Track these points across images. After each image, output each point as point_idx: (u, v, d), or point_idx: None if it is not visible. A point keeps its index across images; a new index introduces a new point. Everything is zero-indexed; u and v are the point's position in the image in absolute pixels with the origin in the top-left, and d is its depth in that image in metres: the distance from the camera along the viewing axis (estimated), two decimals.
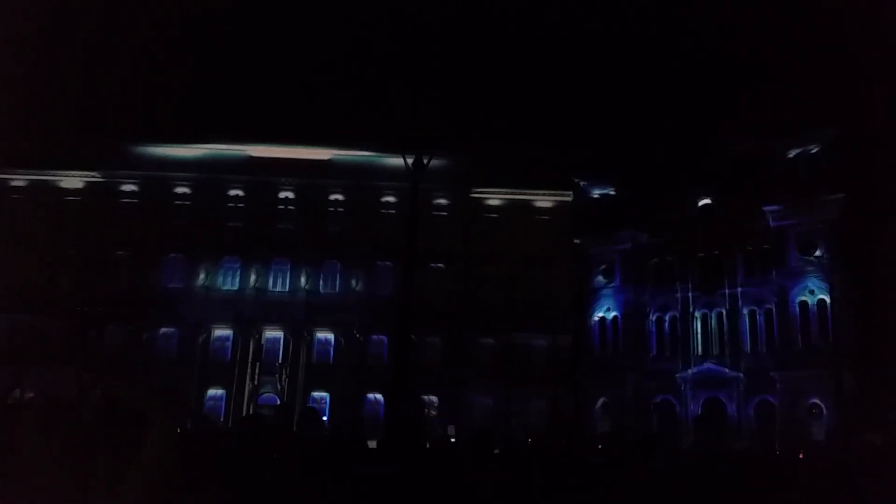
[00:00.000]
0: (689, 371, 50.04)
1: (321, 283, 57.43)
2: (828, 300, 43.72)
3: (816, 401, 44.40)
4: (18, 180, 58.87)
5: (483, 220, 59.65)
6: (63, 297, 53.07)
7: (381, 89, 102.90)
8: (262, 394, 53.49)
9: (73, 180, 59.15)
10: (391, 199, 58.30)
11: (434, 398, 53.40)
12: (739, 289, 49.62)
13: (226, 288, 56.89)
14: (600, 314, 55.18)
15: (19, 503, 4.83)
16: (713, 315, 50.77)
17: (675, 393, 50.56)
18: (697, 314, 51.27)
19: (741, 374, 48.11)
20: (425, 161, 14.47)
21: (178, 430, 24.49)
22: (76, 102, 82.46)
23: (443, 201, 58.80)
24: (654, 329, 53.22)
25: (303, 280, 56.55)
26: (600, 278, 55.44)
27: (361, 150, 58.87)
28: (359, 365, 54.28)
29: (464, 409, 54.09)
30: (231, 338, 55.37)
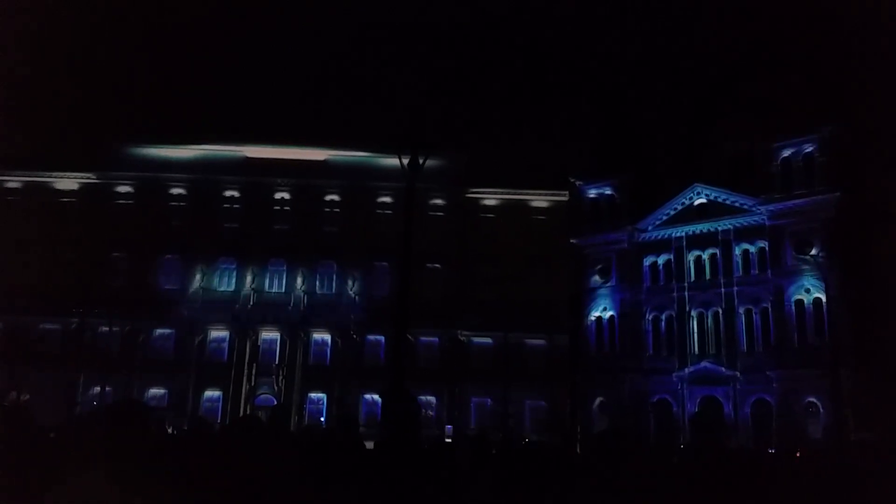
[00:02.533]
0: (686, 370, 50.06)
1: (317, 283, 57.38)
2: (824, 299, 43.76)
3: (813, 399, 44.44)
4: (14, 182, 58.73)
5: (479, 221, 59.65)
6: (59, 299, 52.95)
7: (377, 89, 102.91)
8: (259, 395, 53.43)
9: (68, 182, 59.02)
10: (387, 199, 58.27)
11: (432, 398, 53.40)
12: (735, 288, 49.65)
13: (222, 289, 56.79)
14: (597, 314, 55.19)
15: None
16: (709, 314, 50.80)
17: (671, 392, 50.60)
18: (694, 313, 51.28)
19: (738, 373, 48.14)
20: (421, 161, 14.43)
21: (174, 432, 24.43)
22: (71, 104, 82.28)
23: (439, 201, 58.80)
24: (650, 328, 53.22)
25: (299, 281, 56.48)
26: (597, 278, 55.45)
27: (357, 150, 58.83)
28: (356, 366, 54.27)
29: (461, 410, 54.14)
30: (227, 339, 55.32)
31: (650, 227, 54.04)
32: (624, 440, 6.47)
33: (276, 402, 51.95)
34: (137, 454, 4.55)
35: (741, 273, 49.90)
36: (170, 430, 27.51)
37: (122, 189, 58.97)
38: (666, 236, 53.30)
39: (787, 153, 48.94)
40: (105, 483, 4.17)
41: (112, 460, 4.39)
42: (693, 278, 51.81)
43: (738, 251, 50.22)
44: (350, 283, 56.91)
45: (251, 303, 55.39)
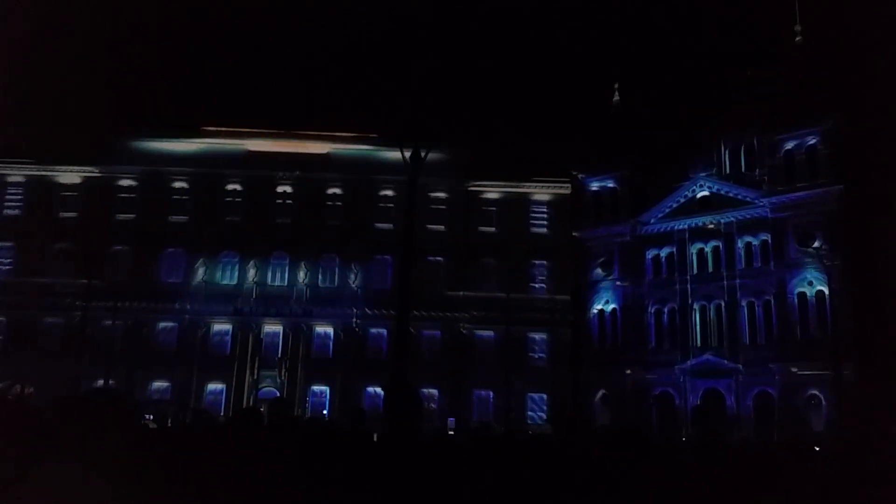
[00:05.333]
0: (688, 363, 50.11)
1: (320, 276, 57.41)
2: (826, 292, 43.69)
3: (815, 392, 44.45)
4: (16, 176, 58.80)
5: (481, 213, 59.61)
6: (62, 293, 53.11)
7: (379, 83, 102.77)
8: (262, 388, 53.51)
9: (70, 175, 59.07)
10: (389, 192, 58.25)
11: (434, 391, 53.48)
12: (738, 280, 49.63)
13: (224, 282, 56.87)
14: (599, 307, 55.21)
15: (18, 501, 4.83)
16: (712, 307, 50.79)
17: (674, 385, 50.65)
18: (696, 306, 51.27)
19: (740, 366, 48.17)
20: (423, 154, 14.42)
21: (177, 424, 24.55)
22: (73, 98, 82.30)
23: (441, 194, 58.72)
24: (652, 321, 53.26)
25: (301, 274, 56.52)
26: (599, 271, 55.45)
27: (359, 143, 58.79)
28: (358, 358, 54.37)
29: (463, 403, 54.21)
30: (230, 332, 55.42)
31: (652, 220, 54.02)
32: (635, 440, 6.48)
33: (278, 395, 52.08)
34: (109, 443, 4.57)
35: (744, 266, 49.88)
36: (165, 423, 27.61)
37: (125, 182, 58.97)
38: (668, 229, 53.27)
39: (789, 146, 48.84)
40: (78, 470, 4.19)
41: (86, 448, 4.41)
42: (695, 271, 51.80)
43: (740, 244, 50.19)
44: (352, 276, 56.94)
45: (254, 296, 55.50)
